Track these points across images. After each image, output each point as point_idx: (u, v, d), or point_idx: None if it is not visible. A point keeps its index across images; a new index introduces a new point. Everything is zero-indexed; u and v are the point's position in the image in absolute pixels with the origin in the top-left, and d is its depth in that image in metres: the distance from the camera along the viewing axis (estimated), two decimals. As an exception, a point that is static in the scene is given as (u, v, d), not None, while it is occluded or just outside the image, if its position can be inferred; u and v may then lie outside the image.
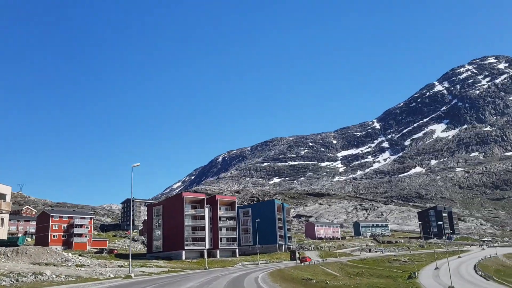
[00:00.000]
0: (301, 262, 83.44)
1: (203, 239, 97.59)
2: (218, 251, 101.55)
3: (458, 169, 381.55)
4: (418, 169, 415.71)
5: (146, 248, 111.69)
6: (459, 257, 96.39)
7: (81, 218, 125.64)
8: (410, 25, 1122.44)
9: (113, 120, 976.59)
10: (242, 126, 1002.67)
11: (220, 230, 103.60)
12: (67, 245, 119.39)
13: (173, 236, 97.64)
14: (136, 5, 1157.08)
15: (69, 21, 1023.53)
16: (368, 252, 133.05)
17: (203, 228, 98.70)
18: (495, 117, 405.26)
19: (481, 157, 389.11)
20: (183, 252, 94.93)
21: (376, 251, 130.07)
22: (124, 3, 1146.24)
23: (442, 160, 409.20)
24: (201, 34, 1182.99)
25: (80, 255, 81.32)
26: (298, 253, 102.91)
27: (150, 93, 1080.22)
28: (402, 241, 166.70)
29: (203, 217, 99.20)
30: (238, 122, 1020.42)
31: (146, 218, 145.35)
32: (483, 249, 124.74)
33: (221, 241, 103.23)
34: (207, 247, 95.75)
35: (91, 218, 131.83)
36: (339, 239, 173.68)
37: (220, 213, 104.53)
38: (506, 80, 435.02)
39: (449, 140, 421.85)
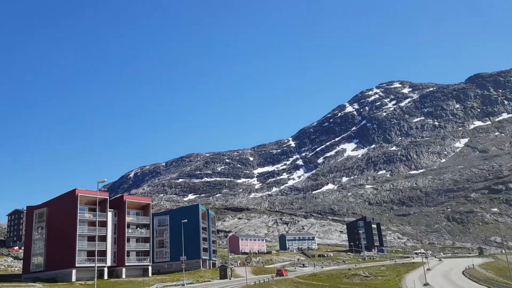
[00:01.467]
0: (277, 275, 72.16)
1: (103, 253, 68.76)
2: (124, 270, 73.05)
3: (367, 186, 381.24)
4: (330, 186, 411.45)
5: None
6: (429, 269, 77.20)
7: None
8: (323, 50, 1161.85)
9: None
10: (156, 141, 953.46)
11: (128, 241, 75.38)
12: None
13: (61, 249, 67.88)
14: None
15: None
16: (303, 267, 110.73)
17: (104, 239, 70.34)
18: (400, 138, 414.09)
19: (388, 175, 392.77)
20: (74, 272, 65.85)
21: (315, 266, 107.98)
22: None
23: (352, 177, 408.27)
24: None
25: None
26: (230, 269, 77.01)
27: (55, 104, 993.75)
28: (331, 254, 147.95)
29: (104, 224, 70.87)
30: (152, 137, 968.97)
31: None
32: (440, 260, 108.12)
33: (128, 255, 74.95)
34: (109, 264, 66.94)
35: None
36: (265, 253, 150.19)
37: (128, 218, 76.32)
38: (409, 103, 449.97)
39: (358, 159, 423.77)
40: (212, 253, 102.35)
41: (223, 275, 76.50)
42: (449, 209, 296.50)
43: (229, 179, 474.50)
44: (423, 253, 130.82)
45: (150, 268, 79.41)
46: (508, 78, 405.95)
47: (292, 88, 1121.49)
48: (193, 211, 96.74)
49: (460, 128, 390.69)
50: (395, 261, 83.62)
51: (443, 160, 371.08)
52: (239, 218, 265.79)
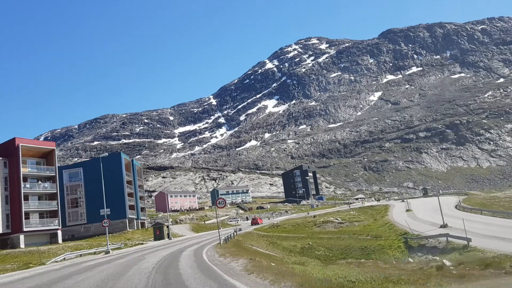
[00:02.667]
0: (252, 224, 65.85)
1: (-12, 217, 47.27)
2: (22, 237, 52.58)
3: (289, 141, 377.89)
4: (253, 142, 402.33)
5: None
6: (409, 210, 64.72)
7: None
8: (241, 6, 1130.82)
9: None
10: (67, 103, 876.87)
11: (26, 199, 54.39)
12: None
13: None
14: None
15: None
16: (246, 220, 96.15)
17: (-12, 197, 48.15)
18: (319, 93, 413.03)
19: (309, 130, 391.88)
20: None
21: (259, 218, 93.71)
22: None
23: (274, 133, 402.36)
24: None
25: None
26: (167, 227, 59.21)
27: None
28: (268, 206, 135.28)
29: (-13, 176, 48.52)
30: (61, 99, 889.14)
31: None
32: (403, 201, 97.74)
33: (28, 218, 53.60)
34: (0, 230, 45.97)
35: None
36: (197, 209, 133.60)
37: (25, 169, 54.92)
38: (327, 59, 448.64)
39: (280, 115, 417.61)
40: (140, 211, 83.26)
41: (159, 235, 58.97)
42: (365, 159, 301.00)
43: (149, 140, 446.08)
44: (362, 198, 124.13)
45: (59, 233, 59.39)
46: (417, 33, 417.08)
47: (212, 45, 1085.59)
48: (114, 162, 76.03)
49: (374, 82, 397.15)
50: (349, 206, 72.95)
51: (359, 113, 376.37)
52: (163, 177, 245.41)
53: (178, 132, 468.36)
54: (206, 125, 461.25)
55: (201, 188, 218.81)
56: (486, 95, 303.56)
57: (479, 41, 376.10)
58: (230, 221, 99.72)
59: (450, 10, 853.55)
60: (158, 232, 60.57)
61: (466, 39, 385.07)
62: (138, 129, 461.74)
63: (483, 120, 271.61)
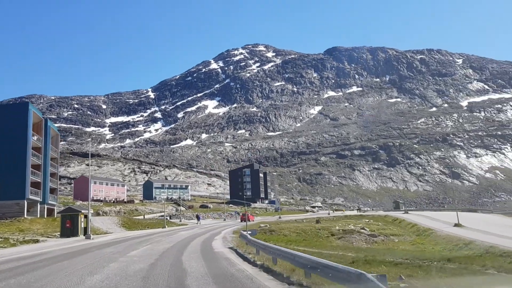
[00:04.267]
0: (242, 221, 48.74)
1: None
2: None
3: (227, 144, 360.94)
4: (189, 141, 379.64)
5: None
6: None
7: None
8: (192, 4, 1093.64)
9: None
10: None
11: None
12: None
13: None
14: None
15: None
16: (189, 220, 74.57)
17: None
18: (261, 100, 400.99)
19: (247, 135, 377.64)
20: None
21: (214, 219, 72.29)
22: None
23: (212, 134, 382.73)
24: None
25: None
26: (85, 217, 35.52)
27: None
28: (211, 206, 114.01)
29: None
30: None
31: None
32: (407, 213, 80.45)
33: None
34: None
35: None
36: (125, 202, 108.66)
37: None
38: (272, 67, 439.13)
39: (220, 116, 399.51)
40: (49, 194, 58.35)
41: (70, 230, 36.24)
42: (300, 171, 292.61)
43: (76, 126, 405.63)
44: (319, 206, 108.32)
45: None
46: (360, 54, 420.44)
47: (156, 38, 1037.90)
48: (16, 114, 50.90)
49: (315, 96, 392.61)
50: (329, 214, 54.71)
51: (298, 125, 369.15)
52: (88, 165, 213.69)
53: (110, 122, 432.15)
54: (141, 118, 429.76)
55: (130, 181, 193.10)
56: (419, 121, 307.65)
57: (417, 69, 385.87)
58: (171, 219, 77.37)
59: (394, 36, 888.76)
60: (69, 224, 37.83)
61: (405, 66, 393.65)
62: (66, 114, 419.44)
63: (414, 145, 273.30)
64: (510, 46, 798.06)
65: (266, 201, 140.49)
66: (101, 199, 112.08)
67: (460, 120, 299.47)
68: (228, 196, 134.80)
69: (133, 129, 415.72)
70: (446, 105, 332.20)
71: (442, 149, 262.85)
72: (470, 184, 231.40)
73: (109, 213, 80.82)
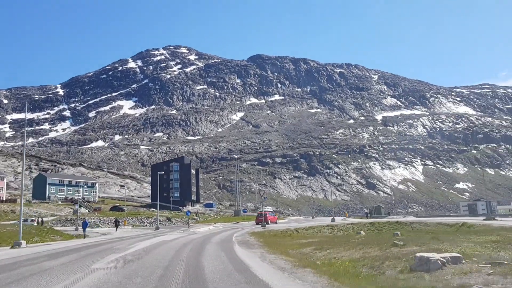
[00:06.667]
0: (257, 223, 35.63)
1: None
2: None
3: (142, 147, 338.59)
4: (100, 142, 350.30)
5: None
6: None
7: None
8: (109, 1, 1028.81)
9: None
10: None
11: None
12: None
13: None
14: None
15: None
16: (99, 228, 57.75)
17: None
18: (181, 103, 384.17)
19: (165, 138, 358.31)
20: None
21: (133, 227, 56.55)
22: None
23: (127, 136, 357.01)
24: None
25: None
26: None
27: None
28: (125, 208, 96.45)
29: None
30: None
31: None
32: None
33: None
34: None
35: None
36: (3, 201, 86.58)
37: None
38: (195, 70, 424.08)
39: (136, 118, 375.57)
40: None
41: None
42: (220, 177, 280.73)
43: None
44: (276, 211, 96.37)
45: None
46: (283, 64, 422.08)
47: (68, 31, 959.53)
48: None
49: (238, 102, 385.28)
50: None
51: (220, 130, 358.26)
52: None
53: (11, 119, 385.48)
54: (47, 116, 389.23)
55: (23, 179, 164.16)
56: (338, 132, 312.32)
57: (336, 82, 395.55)
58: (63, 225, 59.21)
59: (315, 49, 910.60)
60: None
61: (325, 78, 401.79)
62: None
63: (333, 155, 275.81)
64: (420, 65, 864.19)
65: (197, 205, 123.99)
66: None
67: (376, 133, 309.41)
68: (149, 200, 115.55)
69: (37, 127, 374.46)
70: (362, 118, 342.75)
71: (359, 160, 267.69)
72: (384, 194, 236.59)
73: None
